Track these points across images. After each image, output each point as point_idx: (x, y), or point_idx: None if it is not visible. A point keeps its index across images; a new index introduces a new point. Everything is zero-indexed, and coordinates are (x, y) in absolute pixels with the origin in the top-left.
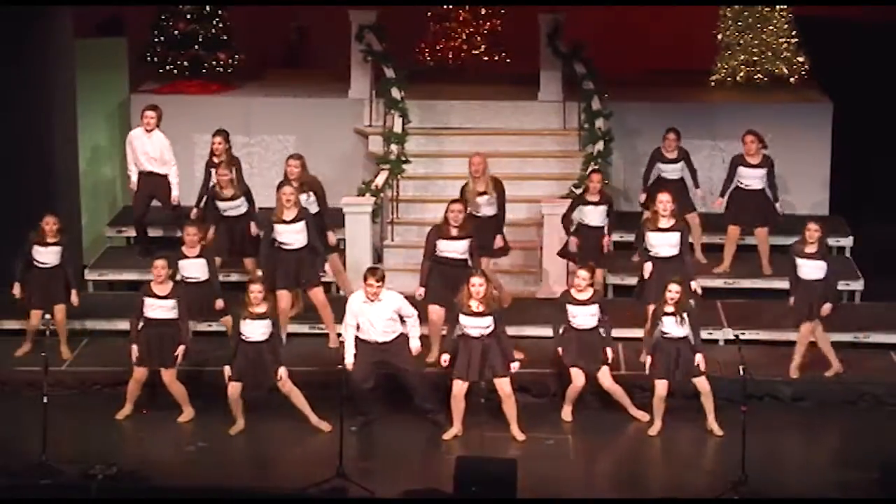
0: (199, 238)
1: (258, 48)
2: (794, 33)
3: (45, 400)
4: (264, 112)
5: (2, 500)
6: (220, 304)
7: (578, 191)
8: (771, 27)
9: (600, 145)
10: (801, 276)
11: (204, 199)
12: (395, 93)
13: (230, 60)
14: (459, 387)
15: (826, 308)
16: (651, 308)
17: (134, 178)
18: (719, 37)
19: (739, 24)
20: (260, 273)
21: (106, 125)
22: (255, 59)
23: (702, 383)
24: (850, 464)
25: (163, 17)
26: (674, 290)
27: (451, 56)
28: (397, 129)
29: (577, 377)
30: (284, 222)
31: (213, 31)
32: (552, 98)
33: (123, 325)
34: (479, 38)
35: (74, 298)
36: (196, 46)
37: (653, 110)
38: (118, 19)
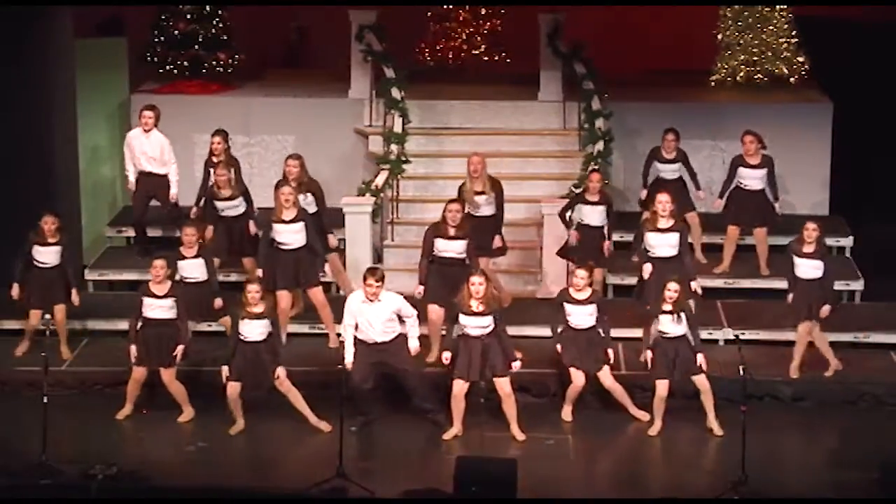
0: (197, 238)
1: (258, 48)
2: (794, 33)
3: (45, 400)
4: (264, 112)
5: (2, 500)
6: (218, 303)
7: (578, 191)
8: (771, 27)
9: (600, 145)
10: (798, 275)
11: (203, 199)
12: (395, 93)
13: (230, 60)
14: (460, 387)
15: (825, 310)
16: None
17: (132, 178)
18: (719, 37)
19: (739, 24)
20: (259, 272)
21: (106, 125)
22: (255, 59)
23: (701, 381)
24: (850, 464)
25: (163, 17)
26: (672, 289)
27: (451, 56)
28: (397, 129)
29: (577, 377)
30: (283, 222)
31: (213, 31)
32: (552, 98)
33: (123, 325)
34: (479, 38)
35: (75, 298)
36: (196, 46)
37: (653, 110)
38: (118, 19)
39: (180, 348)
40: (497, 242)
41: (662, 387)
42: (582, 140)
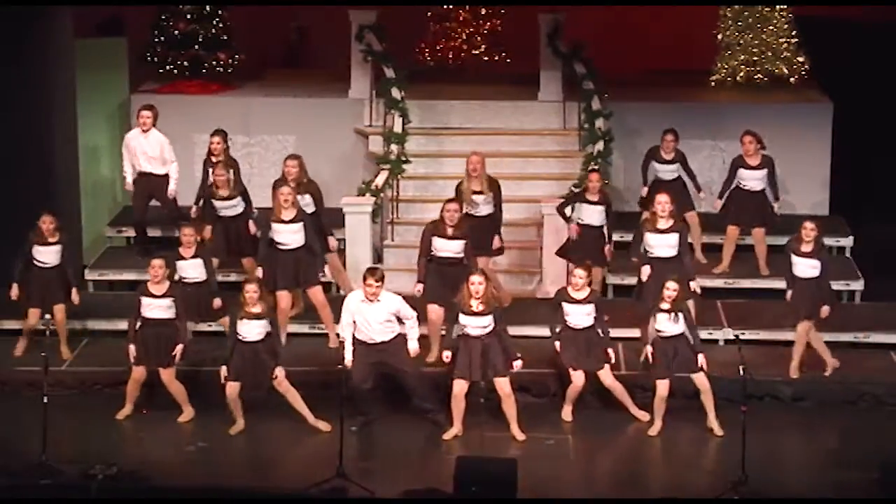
0: (196, 238)
1: (258, 48)
2: (794, 33)
3: (45, 400)
4: (264, 112)
5: (2, 500)
6: (217, 303)
7: (578, 191)
8: (771, 27)
9: (600, 145)
10: (795, 273)
11: (202, 199)
12: (395, 93)
13: (230, 60)
14: (460, 387)
15: (825, 310)
16: None
17: (129, 179)
18: (719, 37)
19: (739, 24)
20: (259, 272)
21: (106, 125)
22: (255, 59)
23: (700, 380)
24: (850, 464)
25: (163, 17)
26: (671, 288)
27: (451, 56)
28: (397, 129)
29: (577, 377)
30: (282, 222)
31: (213, 31)
32: (552, 98)
33: (123, 325)
34: (479, 38)
35: (75, 297)
36: (196, 46)
37: (653, 110)
38: (118, 19)
39: (179, 348)
40: (496, 243)
41: (662, 387)
42: (582, 140)
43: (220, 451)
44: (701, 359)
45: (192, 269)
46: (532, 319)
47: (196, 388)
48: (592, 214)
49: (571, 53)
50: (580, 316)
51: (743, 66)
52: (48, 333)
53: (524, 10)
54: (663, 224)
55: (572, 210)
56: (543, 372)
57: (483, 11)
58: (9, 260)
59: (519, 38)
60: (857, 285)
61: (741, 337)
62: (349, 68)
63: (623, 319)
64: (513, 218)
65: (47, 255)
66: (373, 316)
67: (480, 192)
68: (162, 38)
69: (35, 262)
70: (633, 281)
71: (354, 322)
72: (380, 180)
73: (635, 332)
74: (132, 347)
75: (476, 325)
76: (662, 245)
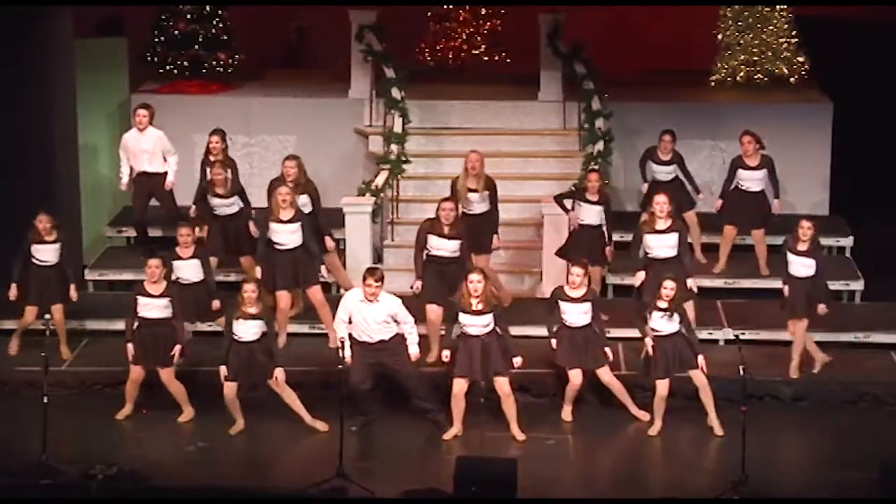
0: (193, 238)
1: (258, 48)
2: (794, 33)
3: (45, 400)
4: (264, 112)
5: (2, 500)
6: (216, 305)
7: (577, 190)
8: (771, 27)
9: (600, 145)
10: (790, 272)
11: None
12: (395, 93)
13: (230, 60)
14: (460, 386)
15: (822, 308)
16: None
17: (125, 179)
18: (719, 37)
19: (739, 24)
20: (259, 271)
21: (106, 125)
22: (255, 59)
23: (698, 377)
24: (850, 464)
25: (163, 17)
26: (669, 287)
27: (451, 56)
28: (397, 129)
29: (574, 376)
30: (281, 222)
31: (213, 31)
32: (552, 98)
33: (123, 325)
34: (479, 38)
35: (74, 294)
36: (196, 46)
37: (653, 110)
38: (118, 19)
39: (177, 348)
40: (496, 243)
41: (662, 387)
42: (582, 140)
43: (220, 451)
44: (700, 360)
45: (189, 270)
46: (532, 319)
47: (196, 388)
48: (592, 214)
49: (571, 53)
50: (577, 314)
51: (743, 66)
52: (48, 333)
53: (524, 10)
54: (662, 224)
55: (572, 206)
56: (543, 372)
57: (483, 11)
58: (8, 260)
59: (519, 38)
60: (857, 285)
61: (741, 337)
62: (349, 68)
63: (623, 319)
64: (513, 218)
65: (45, 253)
66: (371, 316)
67: (475, 191)
68: (162, 38)
69: (33, 260)
70: (632, 281)
71: (351, 320)
72: (380, 180)
73: (635, 333)
74: (130, 346)
75: (475, 324)
76: (662, 246)
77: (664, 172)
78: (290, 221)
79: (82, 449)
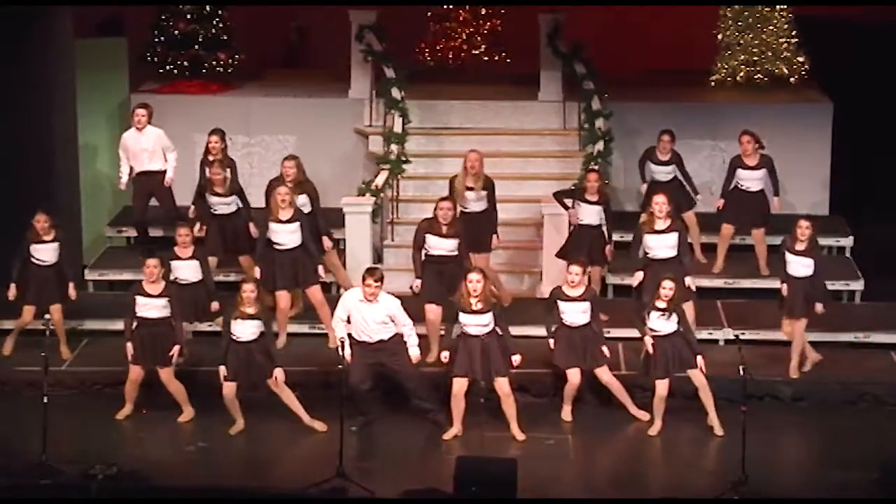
0: (192, 239)
1: (258, 48)
2: (794, 33)
3: (45, 400)
4: (264, 112)
5: (2, 500)
6: (215, 306)
7: (577, 189)
8: (771, 27)
9: (600, 145)
10: (788, 272)
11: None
12: (395, 93)
13: (230, 60)
14: (459, 385)
15: (819, 307)
16: None
17: (124, 178)
18: (719, 37)
19: (739, 24)
20: (258, 271)
21: (106, 125)
22: (255, 59)
23: (697, 376)
24: (850, 464)
25: (163, 17)
26: (667, 287)
27: (451, 56)
28: (397, 129)
29: (572, 375)
30: (280, 222)
31: (213, 31)
32: (552, 98)
33: (123, 325)
34: (479, 38)
35: (72, 292)
36: (196, 46)
37: (653, 110)
38: (118, 19)
39: (176, 348)
40: (495, 242)
41: (662, 387)
42: (582, 140)
43: (220, 451)
44: (699, 360)
45: (187, 270)
46: (532, 319)
47: (195, 388)
48: (591, 214)
49: (571, 53)
50: (576, 314)
51: (743, 66)
52: (48, 333)
53: (524, 10)
54: (661, 225)
55: (573, 204)
56: (543, 372)
57: (483, 11)
58: (8, 259)
59: (519, 38)
60: (857, 285)
61: (741, 337)
62: (349, 68)
63: (623, 319)
64: (512, 218)
65: (44, 252)
66: (370, 316)
67: (472, 189)
68: (162, 38)
69: (32, 260)
70: (632, 281)
71: (350, 320)
72: (380, 180)
73: (635, 333)
74: (129, 345)
75: (475, 323)
76: (661, 246)
77: (663, 173)
78: (289, 221)
79: (82, 449)
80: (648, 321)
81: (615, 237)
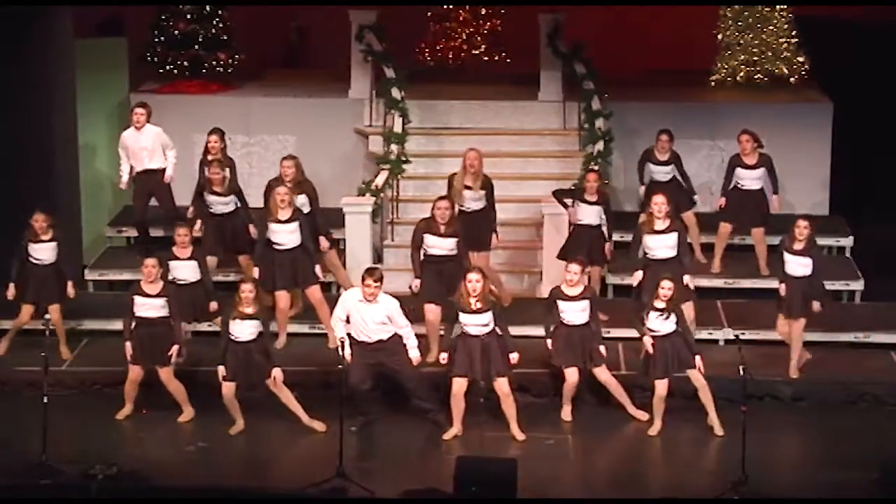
0: (191, 239)
1: (258, 48)
2: (794, 33)
3: (45, 400)
4: (264, 112)
5: (2, 500)
6: (213, 306)
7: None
8: (771, 27)
9: (600, 145)
10: (787, 271)
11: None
12: (395, 93)
13: (230, 60)
14: (459, 385)
15: (816, 305)
16: None
17: (125, 178)
18: (719, 37)
19: (739, 24)
20: (256, 271)
21: (106, 125)
22: (255, 59)
23: (696, 376)
24: (850, 464)
25: (163, 17)
26: (666, 287)
27: (451, 56)
28: (397, 129)
29: (570, 374)
30: (279, 222)
31: (213, 31)
32: (552, 98)
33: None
34: (479, 38)
35: (71, 291)
36: (196, 46)
37: (653, 110)
38: (118, 19)
39: (175, 348)
40: (494, 241)
41: (662, 387)
42: (582, 140)
43: (220, 451)
44: (698, 360)
45: (186, 270)
46: (532, 319)
47: (195, 388)
48: (590, 214)
49: (571, 53)
50: (575, 313)
51: (743, 66)
52: (48, 333)
53: (524, 10)
54: (660, 225)
55: (573, 203)
56: (543, 372)
57: (483, 11)
58: (8, 259)
59: (519, 38)
60: (857, 285)
61: (741, 337)
62: (349, 68)
63: (622, 319)
64: (513, 218)
65: (42, 252)
66: (369, 316)
67: (470, 188)
68: (162, 38)
69: (30, 259)
70: (632, 280)
71: (349, 320)
72: (380, 180)
73: (635, 333)
74: (128, 345)
75: (475, 323)
76: (661, 246)
77: (662, 173)
78: (288, 221)
79: (82, 449)
80: (647, 321)
81: (615, 237)
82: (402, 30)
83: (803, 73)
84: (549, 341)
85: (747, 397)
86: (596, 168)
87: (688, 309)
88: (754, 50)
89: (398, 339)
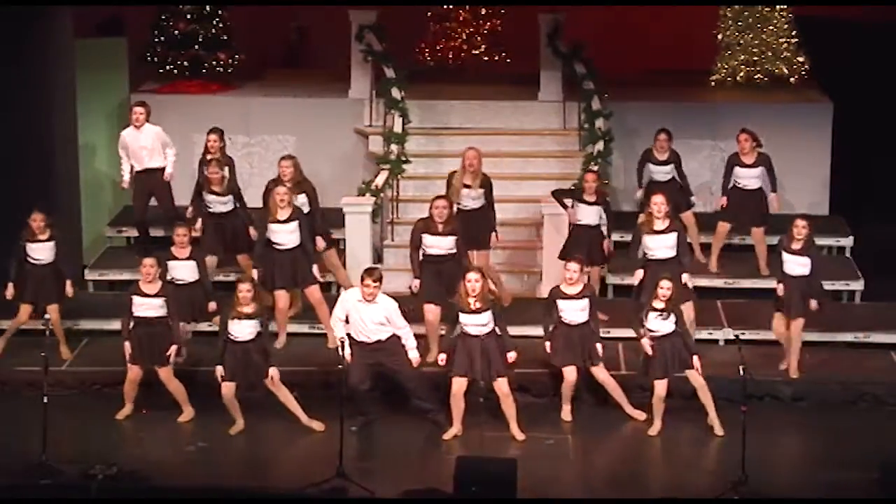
0: (190, 239)
1: (258, 48)
2: (794, 33)
3: (45, 400)
4: (264, 112)
5: (2, 500)
6: (212, 307)
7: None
8: (771, 27)
9: (600, 145)
10: (785, 271)
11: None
12: (395, 93)
13: (230, 60)
14: (459, 385)
15: (814, 304)
16: None
17: (126, 177)
18: (719, 37)
19: (739, 24)
20: (255, 271)
21: (106, 125)
22: (255, 59)
23: (694, 377)
24: (849, 464)
25: (163, 17)
26: (665, 287)
27: (451, 56)
28: (397, 129)
29: (568, 372)
30: (278, 222)
31: (213, 31)
32: (552, 98)
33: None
34: (479, 38)
35: (69, 290)
36: (196, 46)
37: (653, 110)
38: (118, 19)
39: (174, 348)
40: (494, 240)
41: (661, 387)
42: (582, 140)
43: (220, 451)
44: (696, 360)
45: (184, 270)
46: (531, 319)
47: (195, 388)
48: (589, 214)
49: (571, 53)
50: (574, 311)
51: (743, 66)
52: (48, 333)
53: (524, 10)
54: (660, 225)
55: (572, 203)
56: (543, 372)
57: (483, 11)
58: (8, 259)
59: (519, 38)
60: (857, 285)
61: (741, 337)
62: (349, 68)
63: (622, 319)
64: (512, 218)
65: (40, 251)
66: (369, 316)
67: (469, 187)
68: (162, 38)
69: (28, 259)
70: (632, 281)
71: (348, 320)
72: (380, 180)
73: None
74: (127, 345)
75: (475, 323)
76: (660, 246)
77: (661, 172)
78: (287, 221)
79: (82, 449)
80: (646, 322)
81: (615, 237)
82: (402, 30)
83: (803, 73)
84: (547, 343)
85: (747, 397)
86: (595, 168)
87: (687, 309)
88: (754, 50)
89: (397, 340)
